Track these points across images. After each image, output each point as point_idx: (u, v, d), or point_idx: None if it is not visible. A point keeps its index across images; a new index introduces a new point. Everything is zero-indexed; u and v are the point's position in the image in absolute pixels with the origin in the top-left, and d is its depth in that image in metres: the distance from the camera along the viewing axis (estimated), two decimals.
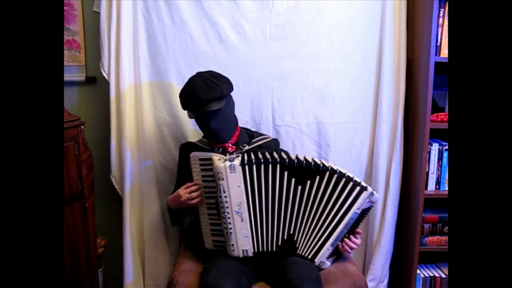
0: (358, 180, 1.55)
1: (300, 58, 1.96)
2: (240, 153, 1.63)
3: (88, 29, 2.10)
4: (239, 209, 1.53)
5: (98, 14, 1.91)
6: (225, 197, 1.52)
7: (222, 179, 1.51)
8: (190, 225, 2.00)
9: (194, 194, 1.59)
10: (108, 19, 1.88)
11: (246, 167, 1.52)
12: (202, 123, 1.63)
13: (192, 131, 1.98)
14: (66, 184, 1.68)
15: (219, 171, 1.51)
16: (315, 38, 1.95)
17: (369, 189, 1.54)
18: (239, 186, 1.52)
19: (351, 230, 1.58)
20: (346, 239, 1.58)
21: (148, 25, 1.90)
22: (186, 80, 1.92)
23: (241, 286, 1.46)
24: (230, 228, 1.54)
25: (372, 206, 1.59)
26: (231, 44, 1.93)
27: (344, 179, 1.53)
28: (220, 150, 1.67)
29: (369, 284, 2.00)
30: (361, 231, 1.63)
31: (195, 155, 1.60)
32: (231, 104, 1.66)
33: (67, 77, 2.10)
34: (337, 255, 1.64)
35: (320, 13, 1.94)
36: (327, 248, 1.58)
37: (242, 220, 1.54)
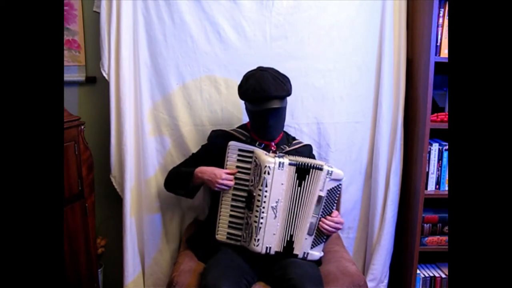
0: (317, 164, 1.55)
1: (300, 58, 1.96)
2: (281, 153, 1.65)
3: (88, 29, 2.10)
4: (275, 206, 1.54)
5: (98, 14, 1.91)
6: (266, 191, 1.53)
7: (268, 174, 1.52)
8: (195, 220, 2.00)
9: (231, 183, 1.60)
10: (108, 19, 1.87)
11: (294, 167, 1.54)
12: (259, 117, 1.63)
13: (191, 131, 1.98)
14: (66, 184, 1.68)
15: (267, 165, 1.52)
16: (315, 38, 1.95)
17: (325, 167, 1.55)
18: (282, 184, 1.54)
19: (324, 213, 1.59)
20: (323, 219, 1.58)
21: (148, 25, 1.90)
22: (186, 80, 1.95)
23: (240, 287, 1.45)
24: (261, 223, 1.54)
25: (339, 184, 1.58)
26: (231, 44, 1.93)
27: (313, 169, 1.55)
28: (263, 145, 1.69)
29: (369, 284, 2.00)
30: (336, 212, 1.62)
31: (235, 144, 1.61)
32: (287, 105, 1.69)
33: (67, 77, 2.10)
34: (322, 241, 1.63)
35: (320, 13, 1.94)
36: (305, 238, 1.58)
37: (275, 217, 1.55)
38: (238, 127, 1.80)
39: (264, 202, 1.53)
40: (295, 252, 1.59)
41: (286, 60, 1.95)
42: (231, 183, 1.60)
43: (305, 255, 1.60)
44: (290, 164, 1.54)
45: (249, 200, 1.57)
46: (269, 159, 1.53)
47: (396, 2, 1.98)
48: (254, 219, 1.55)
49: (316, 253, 1.61)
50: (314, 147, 2.03)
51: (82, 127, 1.79)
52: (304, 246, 1.59)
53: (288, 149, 1.73)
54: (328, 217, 1.59)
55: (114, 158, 1.95)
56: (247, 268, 1.56)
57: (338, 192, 1.60)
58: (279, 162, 1.53)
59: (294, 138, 1.85)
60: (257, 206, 1.54)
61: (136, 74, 1.93)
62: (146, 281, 2.02)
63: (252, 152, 1.59)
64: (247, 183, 1.60)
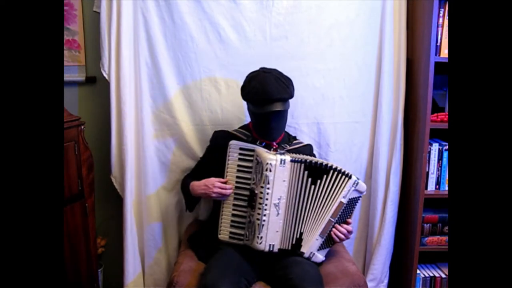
0: (343, 170, 1.58)
1: (300, 58, 1.96)
2: (282, 151, 1.66)
3: (88, 29, 2.10)
4: (278, 203, 1.56)
5: (98, 14, 1.91)
6: (268, 188, 1.54)
7: (270, 171, 1.53)
8: (195, 220, 2.01)
9: (227, 191, 1.61)
10: (108, 19, 1.87)
11: (296, 164, 1.56)
12: (262, 119, 1.64)
13: (192, 131, 1.98)
14: (66, 184, 1.68)
15: (269, 162, 1.53)
16: (315, 38, 1.95)
17: (353, 177, 1.58)
18: (284, 181, 1.56)
19: (340, 220, 1.60)
20: (336, 225, 1.60)
21: (148, 25, 1.89)
22: (186, 80, 1.94)
23: (239, 287, 1.46)
24: (264, 220, 1.55)
25: (360, 196, 1.61)
26: (231, 44, 1.92)
27: (336, 172, 1.57)
28: (264, 144, 1.69)
29: (369, 284, 2.00)
30: (351, 221, 1.64)
31: (236, 143, 1.63)
32: (289, 107, 1.69)
33: (67, 77, 2.10)
34: (329, 246, 1.64)
35: (320, 13, 1.94)
36: (316, 239, 1.59)
37: (278, 214, 1.57)
38: (239, 128, 1.81)
39: (267, 199, 1.55)
40: (302, 250, 1.60)
41: (286, 60, 1.95)
42: (227, 191, 1.61)
43: (311, 255, 1.61)
44: (292, 161, 1.56)
45: (251, 198, 1.59)
46: (271, 156, 1.55)
47: (396, 2, 1.98)
48: (257, 216, 1.56)
49: (320, 256, 1.62)
50: (314, 147, 2.03)
51: (82, 127, 1.79)
52: (312, 246, 1.60)
53: (289, 148, 1.74)
54: (343, 225, 1.61)
55: (115, 158, 1.95)
56: (247, 268, 1.56)
57: (356, 204, 1.63)
58: (281, 159, 1.55)
59: (295, 138, 1.86)
60: (260, 203, 1.55)
61: (137, 74, 1.93)
62: (146, 281, 2.02)
63: (253, 150, 1.60)
64: (248, 181, 1.61)
